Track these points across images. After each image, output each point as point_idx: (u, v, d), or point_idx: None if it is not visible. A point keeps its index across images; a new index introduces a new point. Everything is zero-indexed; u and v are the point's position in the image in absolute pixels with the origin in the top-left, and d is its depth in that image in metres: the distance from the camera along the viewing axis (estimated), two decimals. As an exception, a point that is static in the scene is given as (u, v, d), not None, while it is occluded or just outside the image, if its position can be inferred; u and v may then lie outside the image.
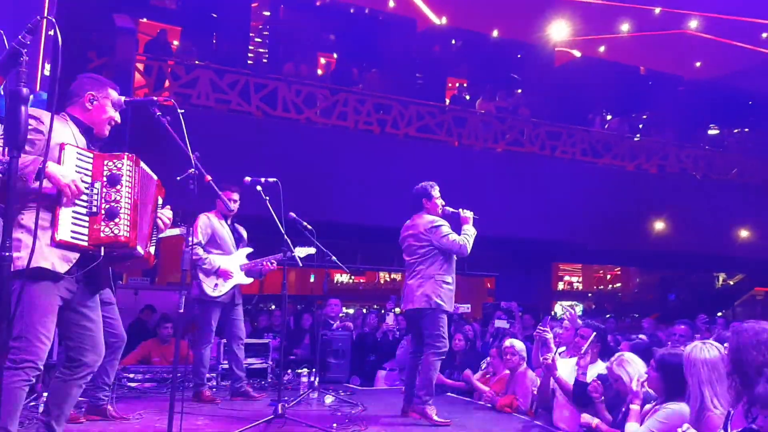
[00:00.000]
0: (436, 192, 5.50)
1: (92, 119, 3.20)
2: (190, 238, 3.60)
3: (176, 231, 5.73)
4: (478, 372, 6.68)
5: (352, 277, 22.64)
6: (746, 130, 17.42)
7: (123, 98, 3.23)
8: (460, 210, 5.46)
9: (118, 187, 3.01)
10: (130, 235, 3.00)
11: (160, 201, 3.39)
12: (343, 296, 20.19)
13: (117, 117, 3.27)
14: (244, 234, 6.08)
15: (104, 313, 4.77)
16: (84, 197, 2.94)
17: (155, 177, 3.32)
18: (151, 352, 7.34)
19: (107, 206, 2.97)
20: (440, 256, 5.30)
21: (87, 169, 2.99)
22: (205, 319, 5.73)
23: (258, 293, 15.64)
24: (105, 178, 3.00)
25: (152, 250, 3.32)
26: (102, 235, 2.95)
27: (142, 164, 3.18)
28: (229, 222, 5.96)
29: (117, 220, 2.97)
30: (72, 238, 2.90)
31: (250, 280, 5.96)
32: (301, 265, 5.66)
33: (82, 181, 2.94)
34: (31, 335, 2.87)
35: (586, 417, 4.32)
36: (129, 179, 3.05)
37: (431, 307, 5.19)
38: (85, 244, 2.94)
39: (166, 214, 3.41)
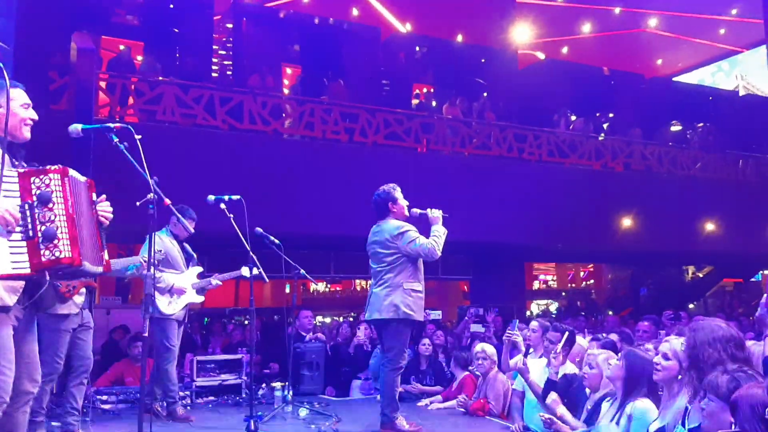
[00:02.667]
0: (399, 194, 5.28)
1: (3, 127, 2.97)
2: (146, 260, 3.49)
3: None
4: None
5: (329, 286, 22.62)
6: (707, 125, 17.76)
7: (80, 126, 3.20)
8: (428, 210, 5.22)
9: (50, 204, 2.81)
10: (72, 254, 2.83)
11: (95, 197, 3.19)
12: (320, 305, 20.25)
13: (31, 114, 3.06)
14: (194, 253, 6.12)
15: (80, 336, 4.82)
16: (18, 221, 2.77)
17: (83, 179, 3.12)
18: (124, 372, 7.29)
19: (43, 228, 2.79)
20: (409, 263, 5.07)
21: (13, 191, 2.80)
22: (164, 336, 5.71)
23: (233, 306, 15.56)
24: (35, 198, 2.82)
25: (105, 255, 3.17)
26: (43, 259, 2.78)
27: (72, 172, 3.00)
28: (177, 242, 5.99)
29: (56, 241, 2.79)
30: (13, 269, 2.75)
31: (202, 298, 6.06)
32: (248, 278, 5.70)
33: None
34: None
35: (545, 415, 4.43)
36: (60, 194, 2.86)
37: (398, 317, 4.97)
38: (28, 271, 2.78)
39: (105, 208, 3.22)
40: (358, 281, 21.75)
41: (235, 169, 9.92)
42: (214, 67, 14.31)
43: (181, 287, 5.80)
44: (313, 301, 20.48)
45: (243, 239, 5.04)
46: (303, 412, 5.93)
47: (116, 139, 3.22)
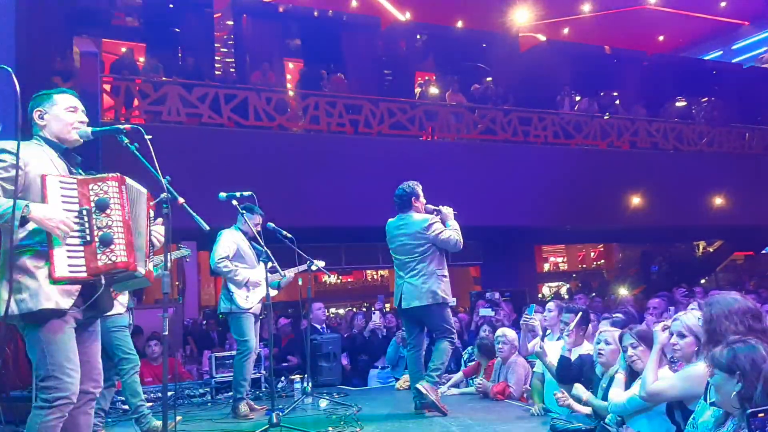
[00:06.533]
0: (421, 191, 5.66)
1: (54, 132, 3.06)
2: (168, 263, 3.44)
3: (185, 252, 5.81)
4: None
5: (340, 277, 22.63)
6: (712, 99, 17.64)
7: (90, 129, 3.19)
8: (441, 207, 5.61)
9: (108, 211, 2.90)
10: (128, 259, 2.90)
11: (152, 214, 3.26)
12: (332, 297, 20.26)
13: (79, 117, 3.12)
14: (263, 249, 6.14)
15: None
16: (75, 227, 2.84)
17: (144, 190, 3.19)
18: (143, 372, 7.32)
19: (100, 233, 2.87)
20: (437, 251, 5.50)
21: (72, 197, 2.88)
22: (242, 330, 5.75)
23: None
24: (93, 204, 2.89)
25: (151, 267, 3.21)
26: (100, 263, 2.86)
27: (128, 180, 3.06)
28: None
29: (112, 246, 2.87)
30: (70, 272, 2.81)
31: (275, 291, 6.03)
32: (328, 273, 5.79)
33: (70, 211, 2.84)
34: (59, 373, 2.84)
35: (579, 388, 4.43)
36: (117, 201, 2.93)
37: (437, 302, 5.37)
38: (84, 275, 2.85)
39: (159, 230, 3.30)
40: (369, 272, 21.79)
41: (242, 165, 9.97)
42: (216, 65, 14.34)
43: (256, 281, 5.84)
44: (326, 292, 20.50)
45: (256, 234, 5.06)
46: (323, 403, 5.99)
47: (126, 141, 3.21)
